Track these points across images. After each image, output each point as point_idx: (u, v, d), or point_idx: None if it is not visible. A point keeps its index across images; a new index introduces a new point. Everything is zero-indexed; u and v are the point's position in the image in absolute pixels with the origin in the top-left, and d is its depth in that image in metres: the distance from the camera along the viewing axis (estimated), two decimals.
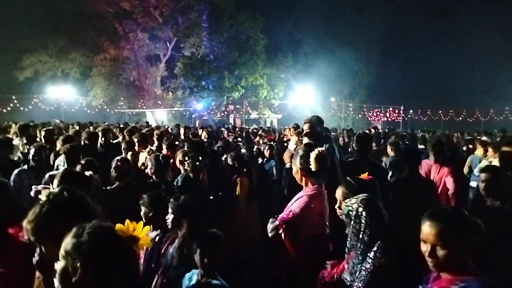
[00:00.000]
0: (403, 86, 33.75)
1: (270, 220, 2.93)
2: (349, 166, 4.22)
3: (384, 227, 2.17)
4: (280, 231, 2.79)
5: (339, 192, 2.62)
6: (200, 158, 4.73)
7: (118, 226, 1.45)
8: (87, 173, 2.78)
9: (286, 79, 28.26)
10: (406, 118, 33.24)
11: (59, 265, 1.37)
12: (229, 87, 25.21)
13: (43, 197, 1.82)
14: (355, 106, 32.77)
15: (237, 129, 12.35)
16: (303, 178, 3.03)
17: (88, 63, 26.59)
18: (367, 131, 11.34)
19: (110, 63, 25.96)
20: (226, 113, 29.47)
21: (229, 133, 9.94)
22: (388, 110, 33.70)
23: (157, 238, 2.96)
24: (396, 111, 33.27)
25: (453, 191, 4.84)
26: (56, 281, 1.36)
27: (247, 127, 18.54)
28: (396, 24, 31.89)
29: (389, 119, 33.52)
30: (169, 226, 2.86)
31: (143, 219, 3.00)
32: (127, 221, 1.47)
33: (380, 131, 14.46)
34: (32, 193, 2.65)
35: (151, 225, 3.03)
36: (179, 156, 4.74)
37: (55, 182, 2.60)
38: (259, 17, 25.84)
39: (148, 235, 1.50)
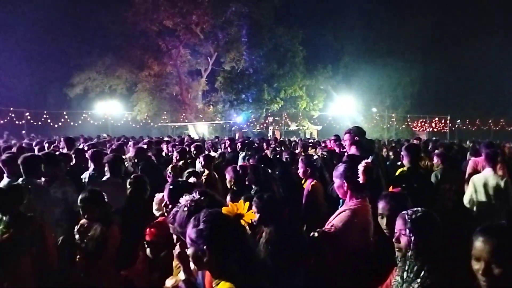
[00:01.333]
0: (450, 94, 32.28)
1: (311, 234, 2.88)
2: (402, 179, 4.10)
3: (435, 244, 2.01)
4: (322, 246, 2.73)
5: (380, 206, 2.53)
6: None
7: (225, 208, 1.74)
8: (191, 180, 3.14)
9: (326, 90, 28.03)
10: (453, 128, 31.81)
11: (190, 251, 1.69)
12: (268, 99, 25.36)
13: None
14: (398, 116, 31.77)
15: (276, 141, 12.35)
16: (348, 192, 2.93)
17: (134, 79, 27.81)
18: (415, 141, 11.00)
19: (154, 78, 27.00)
20: (265, 125, 29.60)
21: (269, 146, 9.91)
22: (433, 120, 32.43)
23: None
24: (442, 121, 31.94)
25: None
26: (192, 264, 1.76)
27: (287, 139, 18.50)
28: (440, 31, 30.82)
29: (435, 130, 32.21)
30: (255, 224, 3.00)
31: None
32: (230, 203, 1.78)
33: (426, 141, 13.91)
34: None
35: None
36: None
37: (165, 192, 2.94)
38: (297, 30, 25.95)
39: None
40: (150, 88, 27.20)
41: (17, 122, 25.53)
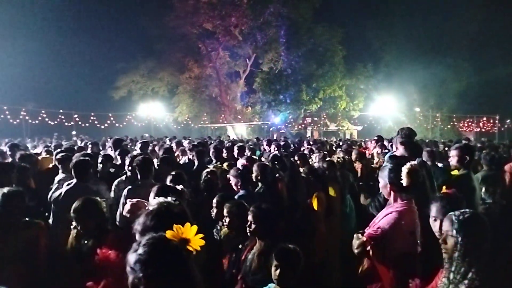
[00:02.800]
0: (498, 92, 30.48)
1: (355, 236, 2.83)
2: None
3: (483, 246, 1.96)
4: (368, 248, 2.68)
5: (433, 209, 2.48)
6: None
7: (168, 232, 1.52)
8: (178, 187, 2.97)
9: (366, 89, 27.35)
10: (502, 128, 30.08)
11: (129, 280, 1.47)
12: (307, 99, 25.15)
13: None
14: (443, 116, 30.47)
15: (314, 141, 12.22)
16: (392, 193, 2.86)
17: (175, 81, 28.64)
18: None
19: (194, 81, 27.67)
20: (303, 125, 29.40)
21: (308, 146, 9.84)
22: (481, 120, 30.84)
23: (240, 245, 3.07)
24: (491, 121, 30.29)
25: None
26: None
27: (326, 139, 18.29)
28: (488, 26, 29.19)
29: (483, 130, 30.60)
30: (249, 234, 2.93)
31: (227, 226, 3.17)
32: (175, 225, 1.54)
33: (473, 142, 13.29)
34: (126, 208, 2.82)
35: (234, 232, 3.21)
36: (255, 170, 4.81)
37: (152, 194, 2.75)
38: (337, 29, 25.56)
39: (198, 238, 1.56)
40: (190, 90, 27.89)
41: (66, 124, 26.99)
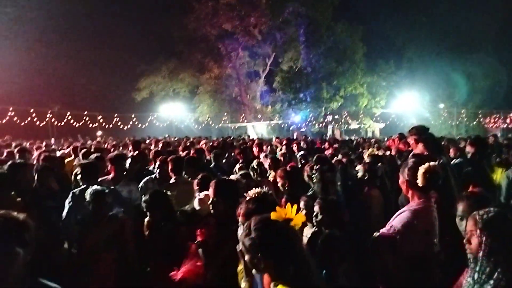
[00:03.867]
0: None
1: (373, 235, 2.80)
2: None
3: (509, 245, 1.88)
4: (380, 247, 2.64)
5: (460, 208, 2.43)
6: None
7: (273, 214, 1.74)
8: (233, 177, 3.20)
9: (388, 86, 26.85)
10: None
11: (246, 258, 1.75)
12: (327, 97, 24.93)
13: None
14: (468, 112, 29.62)
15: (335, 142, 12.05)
16: (409, 191, 2.81)
17: (195, 82, 28.95)
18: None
19: (214, 81, 27.88)
20: (324, 124, 29.12)
21: (330, 146, 9.71)
22: (508, 116, 29.80)
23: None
24: None
25: None
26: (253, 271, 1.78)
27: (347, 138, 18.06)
28: None
29: (510, 126, 29.57)
30: (315, 224, 3.13)
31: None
32: (278, 208, 1.76)
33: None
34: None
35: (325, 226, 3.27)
36: (307, 170, 4.76)
37: (211, 189, 3.01)
38: (357, 26, 25.25)
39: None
40: (211, 90, 28.15)
41: (90, 125, 27.65)
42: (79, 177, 4.42)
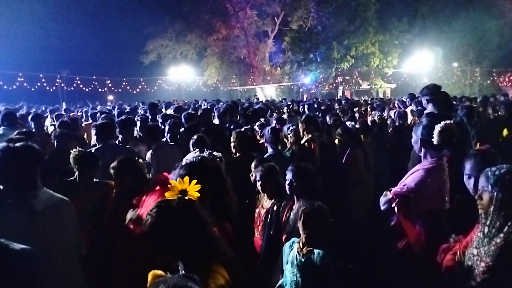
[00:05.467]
0: None
1: (384, 193, 2.83)
2: None
3: None
4: (393, 205, 2.67)
5: (467, 166, 2.45)
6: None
7: (167, 193, 1.70)
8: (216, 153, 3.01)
9: (401, 45, 25.99)
10: None
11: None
12: (338, 58, 24.37)
13: None
14: (482, 71, 28.77)
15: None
16: (422, 149, 2.82)
17: (203, 44, 28.46)
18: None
19: (222, 42, 27.37)
20: (334, 85, 28.70)
21: (339, 107, 9.63)
22: None
23: (275, 206, 3.11)
24: None
25: None
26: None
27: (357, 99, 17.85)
28: None
29: None
30: (289, 192, 2.99)
31: (258, 186, 3.19)
32: (172, 181, 1.72)
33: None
34: None
35: (266, 194, 3.24)
36: (284, 130, 4.82)
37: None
38: None
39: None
40: (218, 52, 27.68)
41: (100, 90, 27.71)
42: (94, 137, 4.46)
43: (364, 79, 28.04)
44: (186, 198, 1.68)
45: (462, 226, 2.35)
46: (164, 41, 28.58)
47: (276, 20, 28.22)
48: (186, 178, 1.72)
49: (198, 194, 1.70)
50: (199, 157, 2.29)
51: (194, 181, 1.73)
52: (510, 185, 1.93)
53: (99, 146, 4.27)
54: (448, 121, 2.75)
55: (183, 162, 2.31)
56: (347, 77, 28.60)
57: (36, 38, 26.10)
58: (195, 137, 3.98)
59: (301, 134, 4.81)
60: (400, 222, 2.71)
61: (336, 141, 4.95)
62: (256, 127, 5.57)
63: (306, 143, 4.67)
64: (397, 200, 2.67)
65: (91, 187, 3.37)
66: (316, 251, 2.48)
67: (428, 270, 2.49)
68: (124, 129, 4.90)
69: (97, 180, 3.46)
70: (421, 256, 2.60)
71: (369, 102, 12.87)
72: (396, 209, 2.67)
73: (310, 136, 4.64)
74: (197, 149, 3.08)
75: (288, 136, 4.64)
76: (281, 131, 4.76)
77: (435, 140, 2.71)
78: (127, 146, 4.63)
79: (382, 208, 2.76)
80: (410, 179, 2.74)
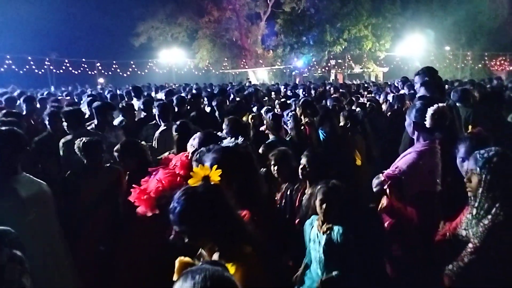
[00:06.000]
0: None
1: (377, 176, 2.85)
2: None
3: (508, 183, 1.99)
4: (385, 187, 2.70)
5: (460, 150, 2.50)
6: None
7: (190, 180, 1.70)
8: (220, 133, 3.03)
9: (394, 28, 25.88)
10: None
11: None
12: (331, 41, 24.20)
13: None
14: (474, 55, 28.84)
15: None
16: (415, 132, 2.83)
17: (194, 26, 28.06)
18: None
19: (214, 25, 27.00)
20: (327, 68, 28.59)
21: (336, 91, 9.56)
22: None
23: (288, 191, 3.15)
24: None
25: None
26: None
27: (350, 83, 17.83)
28: None
29: None
30: (301, 177, 3.06)
31: (274, 171, 3.22)
32: (194, 169, 1.74)
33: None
34: None
35: (280, 178, 3.27)
36: (284, 116, 4.75)
37: (195, 141, 2.81)
38: None
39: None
40: (210, 34, 27.33)
41: (90, 73, 27.30)
42: (65, 125, 4.26)
43: (356, 63, 27.98)
44: (211, 183, 1.70)
45: (453, 208, 2.39)
46: (154, 23, 28.07)
47: (268, 1, 27.85)
48: (207, 165, 1.76)
49: (219, 179, 1.71)
50: (233, 144, 2.29)
51: (215, 167, 1.75)
52: (498, 167, 1.97)
53: (74, 134, 4.09)
54: (440, 104, 2.76)
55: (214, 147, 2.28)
56: (339, 61, 28.50)
57: (24, 20, 25.53)
58: (178, 122, 3.80)
59: (299, 118, 4.70)
60: (392, 204, 2.74)
61: (341, 124, 4.84)
62: (263, 112, 5.48)
63: (302, 128, 4.61)
64: (389, 182, 2.70)
65: (100, 172, 3.35)
66: (335, 227, 2.57)
67: (420, 250, 2.53)
68: (100, 115, 4.78)
69: (107, 165, 3.48)
70: (412, 237, 2.64)
71: (365, 85, 12.87)
72: (388, 191, 2.70)
73: (306, 120, 4.56)
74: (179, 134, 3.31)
75: (288, 122, 4.58)
76: (282, 116, 4.68)
77: (427, 123, 2.71)
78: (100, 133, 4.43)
79: (374, 190, 2.78)
80: (402, 161, 2.76)
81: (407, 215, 2.69)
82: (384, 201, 2.77)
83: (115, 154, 3.25)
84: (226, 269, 1.19)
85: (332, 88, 10.26)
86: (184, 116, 5.28)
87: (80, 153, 3.32)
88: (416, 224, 2.64)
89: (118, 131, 4.80)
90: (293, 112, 4.69)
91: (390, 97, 7.41)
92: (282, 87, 11.32)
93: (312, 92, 10.13)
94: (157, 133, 4.59)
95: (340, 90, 9.55)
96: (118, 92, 10.57)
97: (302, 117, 4.73)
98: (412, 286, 2.69)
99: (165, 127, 4.63)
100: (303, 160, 3.06)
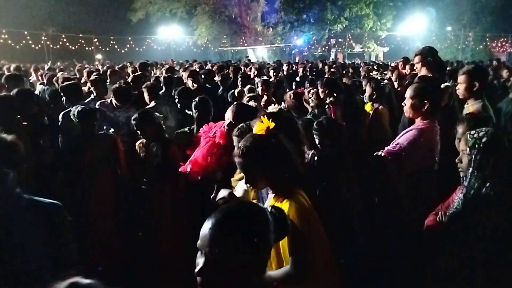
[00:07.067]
0: None
1: (375, 153, 2.90)
2: None
3: (499, 162, 2.01)
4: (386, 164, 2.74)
5: (459, 130, 2.51)
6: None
7: (256, 129, 1.89)
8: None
9: (396, 7, 25.51)
10: None
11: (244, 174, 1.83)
12: (331, 19, 23.88)
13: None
14: (475, 36, 28.53)
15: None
16: (416, 112, 2.88)
17: (193, 2, 27.43)
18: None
19: (213, 0, 26.45)
20: (327, 47, 28.28)
21: (330, 69, 9.52)
22: None
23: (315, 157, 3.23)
24: None
25: None
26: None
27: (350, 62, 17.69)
28: None
29: None
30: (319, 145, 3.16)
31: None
32: (257, 122, 1.94)
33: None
34: None
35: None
36: (305, 94, 4.67)
37: (229, 113, 3.04)
38: None
39: None
40: (209, 10, 26.80)
41: (86, 48, 26.93)
42: (63, 99, 4.50)
43: (357, 42, 27.66)
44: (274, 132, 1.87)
45: (448, 188, 2.44)
46: None
47: None
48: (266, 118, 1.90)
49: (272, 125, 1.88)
50: (277, 108, 2.51)
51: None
52: (487, 147, 2.00)
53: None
54: (447, 84, 2.80)
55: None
56: (340, 40, 28.16)
57: None
58: (197, 98, 3.98)
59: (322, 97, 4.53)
60: (392, 179, 2.80)
61: (367, 97, 4.71)
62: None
63: (326, 107, 4.44)
64: (389, 158, 2.74)
65: (94, 139, 3.65)
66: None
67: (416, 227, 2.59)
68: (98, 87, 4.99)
69: (101, 132, 3.83)
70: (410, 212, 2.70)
71: (370, 64, 12.73)
72: (386, 166, 2.75)
73: (331, 99, 4.40)
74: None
75: (309, 100, 4.47)
76: (303, 94, 4.59)
77: (426, 103, 2.76)
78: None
79: (374, 165, 2.83)
80: (403, 138, 2.81)
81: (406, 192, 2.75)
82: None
83: (133, 122, 3.51)
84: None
85: (326, 67, 10.08)
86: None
87: (76, 120, 3.60)
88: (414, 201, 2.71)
89: (131, 113, 4.65)
90: (315, 90, 4.58)
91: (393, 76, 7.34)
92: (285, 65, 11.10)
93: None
94: None
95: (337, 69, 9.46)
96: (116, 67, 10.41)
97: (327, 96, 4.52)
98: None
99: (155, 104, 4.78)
100: (314, 131, 3.13)
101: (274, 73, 8.43)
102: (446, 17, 27.46)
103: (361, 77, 7.98)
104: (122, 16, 28.00)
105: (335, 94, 4.39)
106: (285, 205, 1.71)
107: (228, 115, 3.04)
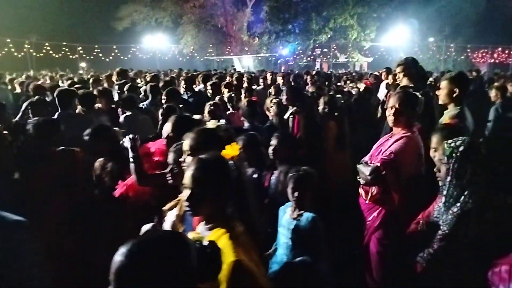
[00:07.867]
0: None
1: (363, 164, 2.89)
2: None
3: (476, 171, 2.03)
4: (383, 173, 2.73)
5: (434, 140, 2.54)
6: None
7: (224, 152, 1.76)
8: (196, 117, 2.99)
9: (379, 18, 26.00)
10: None
11: (184, 194, 1.64)
12: (316, 29, 24.16)
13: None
14: (457, 47, 29.24)
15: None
16: (398, 120, 2.88)
17: (179, 11, 27.44)
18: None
19: (199, 10, 26.54)
20: (312, 57, 28.59)
21: (312, 79, 9.53)
22: (496, 51, 29.56)
23: (255, 175, 3.16)
24: (506, 52, 29.02)
25: None
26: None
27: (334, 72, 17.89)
28: None
29: (497, 61, 29.47)
30: (271, 157, 3.15)
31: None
32: (227, 146, 1.80)
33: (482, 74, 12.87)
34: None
35: (248, 163, 3.24)
36: (267, 102, 4.75)
37: (169, 125, 2.79)
38: None
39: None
40: (195, 20, 26.87)
41: (70, 56, 26.65)
42: (78, 106, 4.52)
43: (341, 52, 28.05)
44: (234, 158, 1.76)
45: (430, 196, 2.45)
46: (138, 7, 27.36)
47: None
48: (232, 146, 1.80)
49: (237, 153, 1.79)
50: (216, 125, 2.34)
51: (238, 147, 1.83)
52: (464, 156, 2.02)
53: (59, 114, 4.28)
54: (421, 93, 2.85)
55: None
56: (325, 50, 28.52)
57: (3, 1, 24.59)
58: (164, 106, 3.99)
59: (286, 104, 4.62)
60: (383, 191, 2.79)
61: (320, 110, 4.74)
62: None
63: (290, 116, 4.49)
64: (386, 167, 2.72)
65: (52, 156, 3.07)
66: (305, 214, 2.59)
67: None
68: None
69: (61, 148, 3.19)
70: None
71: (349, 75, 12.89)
72: (387, 176, 2.73)
73: (294, 108, 4.48)
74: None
75: (271, 108, 4.54)
76: (257, 103, 4.66)
77: (406, 112, 2.82)
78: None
79: (369, 178, 2.75)
80: (395, 146, 2.79)
81: (394, 202, 2.75)
82: (375, 189, 2.83)
83: (86, 137, 3.10)
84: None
85: (309, 77, 10.16)
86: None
87: (31, 135, 3.07)
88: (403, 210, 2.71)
89: (103, 117, 4.68)
90: (277, 99, 4.65)
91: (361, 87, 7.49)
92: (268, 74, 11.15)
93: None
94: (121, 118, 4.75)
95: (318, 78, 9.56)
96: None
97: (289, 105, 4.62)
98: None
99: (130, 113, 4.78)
100: (274, 141, 3.16)
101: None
102: (428, 28, 28.09)
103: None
104: (107, 24, 27.84)
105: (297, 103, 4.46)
106: (223, 239, 1.52)
107: (167, 128, 2.79)
